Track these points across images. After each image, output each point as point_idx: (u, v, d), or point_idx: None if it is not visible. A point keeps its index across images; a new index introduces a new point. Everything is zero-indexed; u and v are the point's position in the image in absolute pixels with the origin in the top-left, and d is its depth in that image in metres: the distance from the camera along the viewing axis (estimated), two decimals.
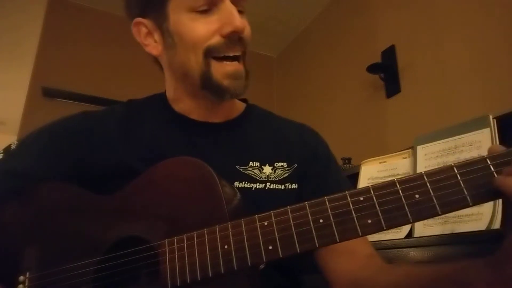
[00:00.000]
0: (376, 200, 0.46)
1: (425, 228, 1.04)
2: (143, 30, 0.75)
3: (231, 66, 0.70)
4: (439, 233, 0.99)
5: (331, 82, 2.62)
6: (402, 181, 0.45)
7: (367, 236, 0.73)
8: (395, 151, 1.37)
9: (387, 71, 2.08)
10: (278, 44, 3.27)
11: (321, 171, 0.78)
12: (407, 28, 2.03)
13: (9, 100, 4.15)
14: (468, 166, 0.43)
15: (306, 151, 0.79)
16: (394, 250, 1.03)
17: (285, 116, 0.90)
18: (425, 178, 0.44)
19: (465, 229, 0.93)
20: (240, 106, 0.85)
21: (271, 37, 3.12)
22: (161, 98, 0.83)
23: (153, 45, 0.75)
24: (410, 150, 1.28)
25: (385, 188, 0.46)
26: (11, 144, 0.74)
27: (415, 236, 1.05)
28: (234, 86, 0.71)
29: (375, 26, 2.28)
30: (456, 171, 0.43)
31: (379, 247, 1.06)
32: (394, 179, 0.46)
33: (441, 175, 0.44)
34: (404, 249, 1.01)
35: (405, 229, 1.10)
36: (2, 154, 0.73)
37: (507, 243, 0.42)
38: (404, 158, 1.31)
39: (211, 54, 0.69)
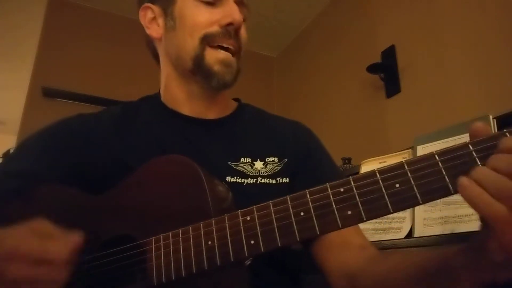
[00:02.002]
0: (356, 191, 0.45)
1: (425, 228, 1.04)
2: (149, 14, 0.81)
3: (223, 54, 0.74)
4: (439, 233, 0.99)
5: (331, 82, 2.62)
6: (382, 171, 0.45)
7: (362, 228, 0.73)
8: (395, 151, 1.37)
9: (387, 71, 2.08)
10: (278, 44, 3.27)
11: (314, 166, 0.78)
12: (407, 28, 2.03)
13: (9, 100, 4.15)
14: (449, 153, 0.42)
15: (298, 147, 0.80)
16: (394, 250, 1.03)
17: (285, 115, 0.91)
18: (406, 167, 0.43)
19: (465, 229, 0.93)
20: (233, 105, 0.87)
21: (271, 37, 3.12)
22: (155, 96, 0.86)
23: (155, 29, 0.80)
24: (410, 150, 1.28)
25: (365, 179, 0.45)
26: (10, 149, 0.77)
27: (415, 236, 1.05)
28: (223, 72, 0.74)
29: (375, 26, 2.28)
30: (437, 158, 0.42)
31: (379, 247, 1.06)
32: (374, 169, 0.45)
33: (422, 163, 0.43)
34: (404, 249, 1.01)
35: (405, 229, 1.10)
36: (1, 159, 0.75)
37: (479, 240, 0.41)
38: (404, 158, 1.31)
39: (207, 41, 0.73)
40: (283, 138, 0.81)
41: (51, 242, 0.53)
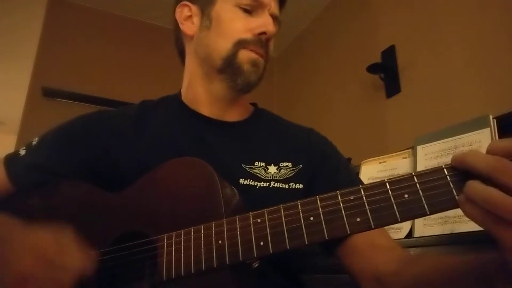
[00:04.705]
0: (366, 199, 0.47)
1: (425, 228, 1.04)
2: (186, 12, 0.83)
3: (255, 55, 0.77)
4: (439, 233, 0.99)
5: (331, 82, 2.62)
6: (392, 181, 0.46)
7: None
8: (395, 151, 1.37)
9: (387, 71, 2.08)
10: (278, 44, 3.27)
11: (330, 171, 0.79)
12: (407, 28, 2.03)
13: (9, 100, 4.15)
14: (458, 168, 0.43)
15: (313, 153, 0.80)
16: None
17: (285, 116, 0.92)
18: (415, 179, 0.45)
19: (465, 229, 0.93)
20: (250, 109, 0.89)
21: None
22: (175, 96, 0.87)
23: (189, 26, 0.82)
24: (410, 150, 1.28)
25: (375, 188, 0.47)
26: (32, 141, 0.79)
27: (415, 236, 1.05)
28: (250, 71, 0.77)
29: (375, 26, 2.28)
30: (446, 172, 0.44)
31: None
32: (384, 179, 0.47)
33: (431, 176, 0.44)
34: (404, 249, 1.01)
35: (405, 229, 1.11)
36: (24, 150, 0.78)
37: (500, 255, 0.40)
38: (404, 158, 1.31)
39: (241, 45, 0.76)
40: (298, 144, 0.81)
41: (71, 251, 0.56)
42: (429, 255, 0.56)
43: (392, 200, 0.45)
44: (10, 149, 0.80)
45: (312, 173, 0.77)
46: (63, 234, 0.57)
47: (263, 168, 0.75)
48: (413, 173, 0.45)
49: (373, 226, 0.46)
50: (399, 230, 1.12)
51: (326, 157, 0.81)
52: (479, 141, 1.05)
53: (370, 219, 0.46)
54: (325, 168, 0.79)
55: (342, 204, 0.48)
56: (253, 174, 0.74)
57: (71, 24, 2.73)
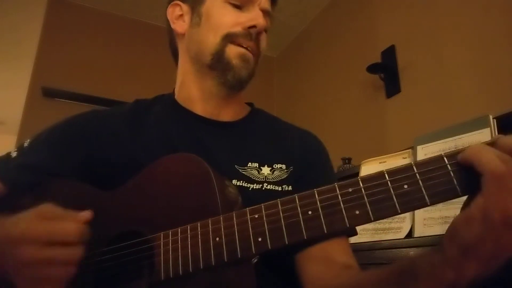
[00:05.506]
0: (365, 191, 0.46)
1: (425, 228, 1.04)
2: (177, 11, 0.84)
3: (243, 50, 0.77)
4: (439, 233, 0.99)
5: (331, 82, 2.62)
6: (391, 172, 0.45)
7: (350, 244, 0.73)
8: (395, 151, 1.37)
9: (387, 71, 2.08)
10: (278, 44, 3.27)
11: (317, 179, 0.77)
12: (407, 28, 2.04)
13: (9, 100, 4.15)
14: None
15: (306, 156, 0.79)
16: (394, 250, 1.03)
17: (284, 116, 0.92)
18: (415, 169, 0.44)
19: None
20: (246, 109, 0.88)
21: (271, 37, 3.11)
22: (169, 96, 0.87)
23: (180, 24, 0.83)
24: (410, 150, 1.28)
25: (374, 180, 0.46)
26: (24, 143, 0.78)
27: (415, 236, 1.05)
28: (240, 66, 0.76)
29: (375, 26, 2.28)
30: (446, 161, 0.43)
31: (379, 247, 1.06)
32: (383, 170, 0.46)
33: (431, 166, 0.43)
34: (404, 249, 1.01)
35: (405, 229, 1.11)
36: (16, 152, 0.77)
37: (451, 226, 0.42)
38: (404, 158, 1.31)
39: (229, 39, 0.76)
40: (293, 146, 0.81)
41: (60, 223, 0.55)
42: (370, 269, 0.58)
43: (392, 191, 0.44)
44: (10, 149, 0.79)
45: (299, 176, 0.76)
46: (46, 209, 0.56)
47: (256, 169, 0.74)
48: (412, 163, 0.44)
49: (372, 219, 0.45)
50: (399, 230, 1.12)
51: (317, 163, 0.80)
52: (479, 141, 1.04)
53: (370, 211, 0.45)
54: (312, 175, 0.78)
55: (341, 197, 0.47)
56: (246, 175, 0.73)
57: (71, 24, 2.73)
